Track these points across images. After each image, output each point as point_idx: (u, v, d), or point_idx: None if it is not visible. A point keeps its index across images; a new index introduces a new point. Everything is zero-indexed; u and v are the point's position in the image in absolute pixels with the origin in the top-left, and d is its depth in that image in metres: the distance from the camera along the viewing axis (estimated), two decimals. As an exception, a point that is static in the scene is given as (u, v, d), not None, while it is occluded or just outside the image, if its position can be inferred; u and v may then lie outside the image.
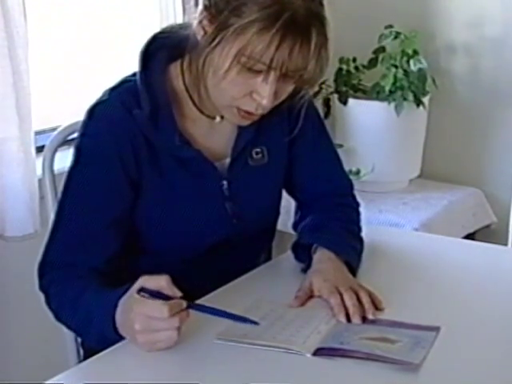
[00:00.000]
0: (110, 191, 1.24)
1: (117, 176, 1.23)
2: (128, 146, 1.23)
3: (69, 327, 1.26)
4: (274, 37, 1.11)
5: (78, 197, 1.24)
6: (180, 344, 1.10)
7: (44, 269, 1.25)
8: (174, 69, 1.28)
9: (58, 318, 1.24)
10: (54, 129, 1.49)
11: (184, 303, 1.08)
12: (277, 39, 1.11)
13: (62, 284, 1.22)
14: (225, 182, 1.31)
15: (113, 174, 1.23)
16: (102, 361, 1.09)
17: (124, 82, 1.27)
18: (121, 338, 1.11)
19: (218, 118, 1.31)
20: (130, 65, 1.29)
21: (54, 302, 1.23)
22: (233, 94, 1.18)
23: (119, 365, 1.08)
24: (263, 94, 1.17)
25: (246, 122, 1.26)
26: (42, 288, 1.25)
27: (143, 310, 1.06)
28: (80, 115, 1.28)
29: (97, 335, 1.15)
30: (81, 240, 1.23)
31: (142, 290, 1.08)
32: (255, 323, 1.11)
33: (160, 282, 1.08)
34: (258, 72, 1.15)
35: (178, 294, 1.08)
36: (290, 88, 1.21)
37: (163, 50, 1.27)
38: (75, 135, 1.29)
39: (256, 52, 1.12)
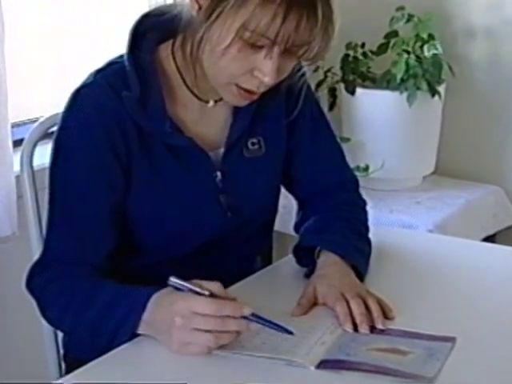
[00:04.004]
0: (102, 179, 1.25)
1: (108, 162, 1.25)
2: (117, 131, 1.24)
3: (70, 327, 1.26)
4: (279, 9, 1.13)
5: (70, 189, 1.26)
6: (174, 355, 1.11)
7: (38, 267, 1.27)
8: (165, 49, 1.30)
9: (57, 317, 1.26)
10: (33, 121, 1.50)
11: (244, 310, 1.09)
12: (282, 11, 1.13)
13: (67, 281, 1.24)
14: (218, 173, 1.32)
15: (103, 161, 1.25)
16: (93, 371, 1.11)
17: (111, 64, 1.29)
18: (131, 337, 1.15)
19: (211, 102, 1.33)
20: (119, 49, 1.30)
21: (55, 301, 1.24)
22: (232, 71, 1.20)
23: (111, 374, 1.09)
24: (265, 71, 1.19)
25: (245, 102, 1.27)
26: (36, 286, 1.27)
27: (189, 303, 1.09)
28: (62, 105, 1.28)
29: (112, 332, 1.16)
30: (79, 236, 1.26)
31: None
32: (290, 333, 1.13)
33: (208, 287, 1.12)
34: (260, 47, 1.17)
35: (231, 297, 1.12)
36: (292, 64, 1.23)
37: (153, 30, 1.29)
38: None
39: (261, 26, 1.14)
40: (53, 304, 1.26)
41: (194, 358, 1.11)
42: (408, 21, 2.37)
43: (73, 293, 1.23)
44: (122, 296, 1.19)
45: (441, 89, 2.40)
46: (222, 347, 1.12)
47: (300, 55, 1.20)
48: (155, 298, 1.15)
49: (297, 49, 1.18)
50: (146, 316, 1.15)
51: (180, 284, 1.13)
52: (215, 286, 1.12)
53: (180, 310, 1.10)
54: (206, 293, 1.11)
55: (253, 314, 1.11)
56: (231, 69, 1.20)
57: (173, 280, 1.13)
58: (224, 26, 1.16)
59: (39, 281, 1.27)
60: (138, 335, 1.16)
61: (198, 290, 1.11)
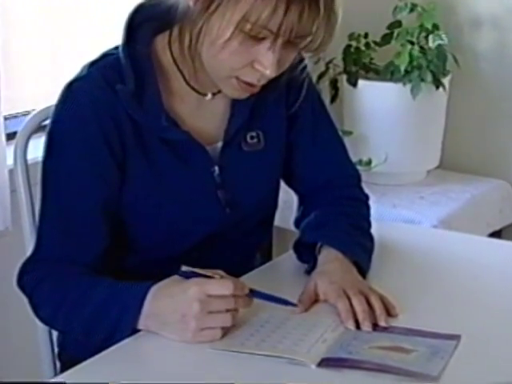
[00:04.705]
0: (96, 174, 1.26)
1: (102, 157, 1.25)
2: (111, 125, 1.25)
3: (64, 325, 1.27)
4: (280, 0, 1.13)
5: (63, 184, 1.26)
6: (172, 353, 1.12)
7: (30, 265, 1.28)
8: (161, 41, 1.30)
9: (50, 315, 1.26)
10: (26, 113, 1.50)
11: (246, 288, 1.15)
12: (283, 2, 1.13)
13: (60, 279, 1.25)
14: (216, 168, 1.33)
15: (97, 155, 1.25)
16: (88, 369, 1.11)
17: (105, 56, 1.29)
18: (132, 332, 1.15)
19: (209, 95, 1.33)
20: (114, 40, 1.30)
21: (48, 298, 1.25)
22: (232, 64, 1.20)
23: (107, 373, 1.09)
24: (266, 64, 1.19)
25: (245, 95, 1.28)
26: (27, 284, 1.27)
27: (203, 287, 1.12)
28: (56, 98, 1.29)
29: (108, 329, 1.17)
30: (71, 233, 1.26)
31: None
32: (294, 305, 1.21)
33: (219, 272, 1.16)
34: (261, 39, 1.17)
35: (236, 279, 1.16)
36: (293, 56, 1.23)
37: (150, 21, 1.29)
38: (51, 120, 1.30)
39: (262, 18, 1.14)
40: (45, 302, 1.26)
41: (193, 356, 1.12)
42: (411, 10, 2.37)
43: (66, 290, 1.23)
44: (118, 292, 1.19)
45: (445, 80, 2.40)
46: (221, 345, 1.13)
47: (302, 47, 1.20)
48: (155, 290, 1.16)
49: (299, 40, 1.19)
50: (146, 310, 1.15)
51: (192, 272, 1.15)
52: (219, 272, 1.16)
53: (196, 296, 1.12)
54: (218, 276, 1.15)
55: (251, 290, 1.17)
56: (231, 62, 1.20)
57: (185, 268, 1.15)
58: (224, 18, 1.16)
59: (31, 278, 1.27)
60: (136, 331, 1.17)
61: (210, 274, 1.14)
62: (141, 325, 1.16)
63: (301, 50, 1.22)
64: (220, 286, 1.13)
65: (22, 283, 1.28)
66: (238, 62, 1.20)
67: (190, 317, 1.12)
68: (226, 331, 1.14)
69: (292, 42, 1.19)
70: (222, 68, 1.22)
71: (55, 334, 1.45)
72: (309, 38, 1.18)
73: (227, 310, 1.13)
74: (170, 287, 1.16)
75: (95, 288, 1.22)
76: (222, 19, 1.16)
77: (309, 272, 1.34)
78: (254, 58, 1.20)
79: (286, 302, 1.20)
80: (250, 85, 1.24)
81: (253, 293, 1.17)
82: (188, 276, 1.15)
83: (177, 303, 1.13)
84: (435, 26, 2.35)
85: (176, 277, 1.16)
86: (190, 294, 1.12)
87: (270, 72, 1.20)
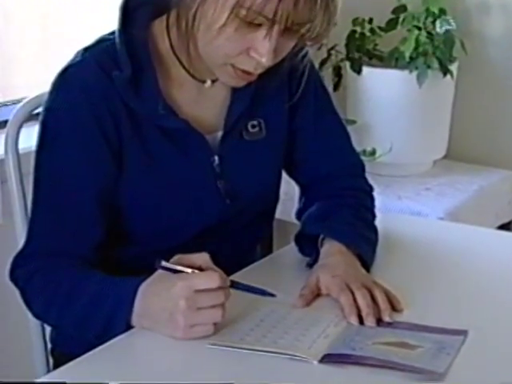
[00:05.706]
0: (90, 165, 1.26)
1: (97, 146, 1.25)
2: (106, 114, 1.25)
3: (57, 319, 1.27)
4: None
5: (56, 175, 1.26)
6: (169, 349, 1.12)
7: (22, 258, 1.28)
8: (159, 26, 1.30)
9: (42, 309, 1.27)
10: (18, 101, 1.50)
11: (228, 279, 1.15)
12: None
13: (53, 272, 1.25)
14: (216, 158, 1.32)
15: (92, 145, 1.25)
16: (82, 366, 1.11)
17: (100, 42, 1.29)
18: (126, 329, 1.16)
19: (208, 82, 1.33)
20: (110, 25, 1.29)
21: (40, 292, 1.25)
22: (227, 51, 1.20)
23: (102, 370, 1.10)
24: (262, 52, 1.19)
25: (242, 83, 1.28)
26: (19, 278, 1.27)
27: (189, 282, 1.12)
28: (49, 85, 1.28)
29: (101, 325, 1.18)
30: (65, 225, 1.27)
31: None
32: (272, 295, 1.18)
33: (197, 260, 1.14)
34: (258, 26, 1.17)
35: (219, 270, 1.15)
36: (291, 44, 1.23)
37: (146, 4, 1.29)
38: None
39: (257, 3, 1.14)
40: (37, 296, 1.26)
41: (191, 352, 1.12)
42: (416, -6, 2.36)
43: (58, 285, 1.24)
44: (108, 289, 1.19)
45: (453, 67, 2.39)
46: (221, 340, 1.13)
47: (301, 35, 1.20)
48: (144, 288, 1.16)
49: (298, 27, 1.18)
50: (137, 309, 1.16)
51: (171, 267, 1.14)
52: (203, 260, 1.15)
53: (182, 292, 1.11)
54: (196, 271, 1.14)
55: (232, 281, 1.16)
56: (227, 49, 1.20)
57: (164, 264, 1.15)
58: (218, 2, 1.16)
59: (23, 272, 1.27)
60: (131, 327, 1.17)
61: (188, 270, 1.14)
62: (134, 322, 1.17)
63: (300, 37, 1.21)
64: (207, 279, 1.12)
65: (14, 277, 1.28)
66: (234, 49, 1.20)
67: (177, 314, 1.12)
68: (218, 326, 1.14)
69: (290, 30, 1.18)
70: (218, 55, 1.22)
71: (48, 329, 1.45)
72: (307, 26, 1.18)
73: (216, 305, 1.12)
74: (157, 284, 1.15)
75: (86, 282, 1.22)
76: (216, 3, 1.16)
77: (311, 265, 1.34)
78: (250, 46, 1.19)
79: (263, 292, 1.18)
80: (247, 73, 1.24)
81: (233, 284, 1.16)
82: (169, 271, 1.15)
83: (164, 301, 1.13)
84: (442, 11, 2.35)
85: (162, 272, 1.16)
86: (176, 291, 1.12)
87: (265, 60, 1.19)
